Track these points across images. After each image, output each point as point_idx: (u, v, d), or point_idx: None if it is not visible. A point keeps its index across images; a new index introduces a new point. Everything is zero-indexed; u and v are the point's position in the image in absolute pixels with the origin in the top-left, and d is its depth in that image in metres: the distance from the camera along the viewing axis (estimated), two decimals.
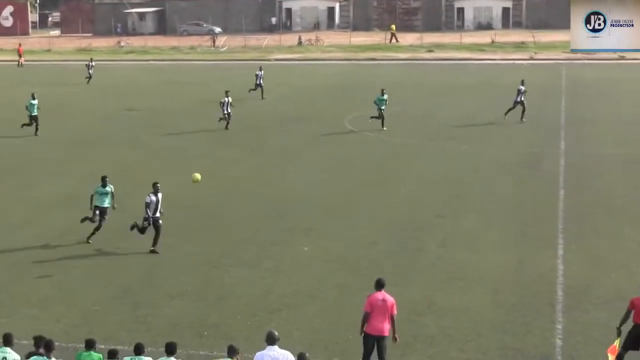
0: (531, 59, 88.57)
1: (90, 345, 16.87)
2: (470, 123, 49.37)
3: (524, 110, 48.89)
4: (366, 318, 17.98)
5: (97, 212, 27.45)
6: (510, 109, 49.16)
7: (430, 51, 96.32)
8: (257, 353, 15.80)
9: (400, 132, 46.85)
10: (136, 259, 26.18)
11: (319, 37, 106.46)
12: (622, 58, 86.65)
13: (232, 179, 36.51)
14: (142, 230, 26.95)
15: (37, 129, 46.30)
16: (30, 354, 16.85)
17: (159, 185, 27.02)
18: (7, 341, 17.01)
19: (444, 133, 46.12)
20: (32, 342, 17.30)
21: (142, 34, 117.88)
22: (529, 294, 22.96)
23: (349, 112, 53.41)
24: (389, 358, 18.25)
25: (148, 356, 16.47)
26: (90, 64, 71.35)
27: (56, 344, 17.08)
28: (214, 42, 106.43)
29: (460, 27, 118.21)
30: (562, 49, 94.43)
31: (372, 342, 17.95)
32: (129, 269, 25.34)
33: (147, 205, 26.50)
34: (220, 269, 25.22)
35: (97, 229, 27.51)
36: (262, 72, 61.55)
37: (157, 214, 26.67)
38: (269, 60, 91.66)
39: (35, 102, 46.63)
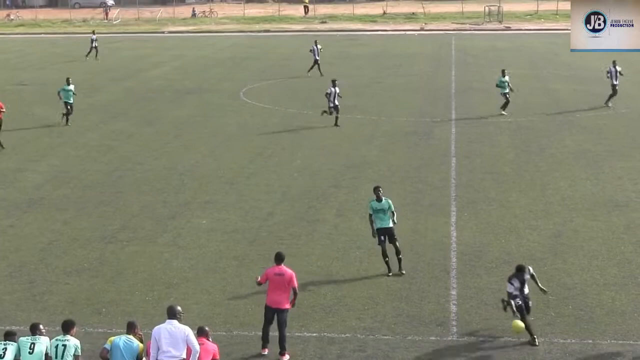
0: (421, 29, 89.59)
1: None
2: (363, 93, 49.78)
3: (612, 95, 44.41)
4: (258, 285, 18.67)
5: None
6: (611, 96, 44.40)
7: (324, 22, 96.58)
8: (156, 327, 15.84)
9: (295, 102, 47.00)
10: (31, 235, 25.83)
11: (213, 9, 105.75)
12: (508, 28, 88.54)
13: (126, 152, 36.20)
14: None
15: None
16: None
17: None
18: None
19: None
20: None
21: (32, 7, 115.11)
22: (423, 261, 23.40)
23: (244, 84, 53.36)
24: (289, 329, 18.47)
25: (45, 335, 16.26)
26: (94, 37, 68.09)
27: None
28: (106, 14, 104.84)
29: None
30: (451, 20, 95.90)
31: (272, 314, 18.23)
32: (24, 246, 24.96)
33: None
34: (117, 244, 25.06)
35: None
36: (319, 46, 57.18)
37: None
38: (162, 32, 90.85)
39: (70, 87, 41.87)
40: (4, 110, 37.27)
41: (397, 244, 22.53)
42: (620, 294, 21.12)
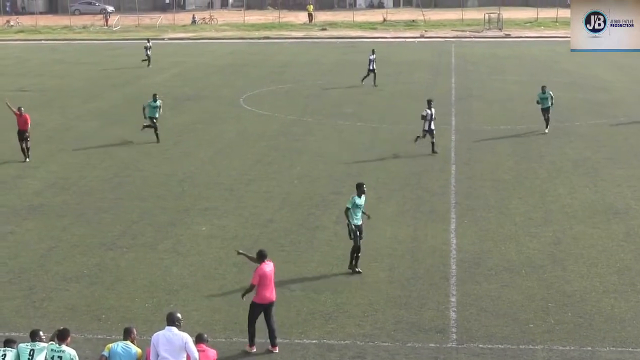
0: (421, 36, 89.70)
1: None
2: (364, 100, 49.83)
3: None
4: (252, 289, 18.50)
5: None
6: None
7: (324, 29, 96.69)
8: (155, 333, 15.81)
9: (294, 109, 47.05)
10: (31, 242, 25.80)
11: (213, 16, 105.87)
12: (508, 36, 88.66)
13: (126, 159, 36.21)
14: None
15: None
16: None
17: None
18: None
19: (338, 110, 46.45)
20: None
21: (32, 13, 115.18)
22: (423, 267, 23.41)
23: (244, 91, 53.40)
24: (288, 335, 18.50)
25: (45, 342, 16.17)
26: (148, 44, 67.37)
27: None
28: (106, 21, 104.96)
29: (353, 6, 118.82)
30: (451, 27, 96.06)
31: (261, 310, 18.51)
32: (24, 252, 24.94)
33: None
34: (116, 251, 25.05)
35: None
36: (375, 55, 55.80)
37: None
38: (162, 39, 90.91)
39: (157, 103, 39.67)
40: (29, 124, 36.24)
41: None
42: (620, 301, 21.12)
